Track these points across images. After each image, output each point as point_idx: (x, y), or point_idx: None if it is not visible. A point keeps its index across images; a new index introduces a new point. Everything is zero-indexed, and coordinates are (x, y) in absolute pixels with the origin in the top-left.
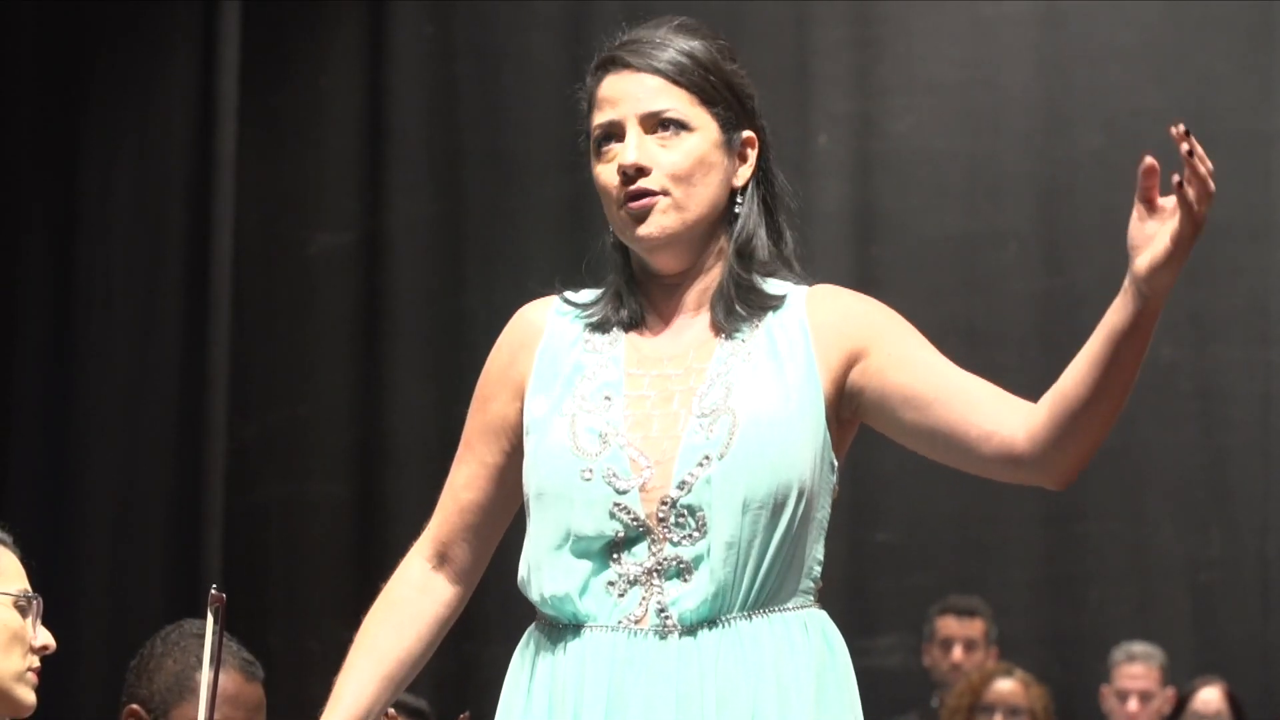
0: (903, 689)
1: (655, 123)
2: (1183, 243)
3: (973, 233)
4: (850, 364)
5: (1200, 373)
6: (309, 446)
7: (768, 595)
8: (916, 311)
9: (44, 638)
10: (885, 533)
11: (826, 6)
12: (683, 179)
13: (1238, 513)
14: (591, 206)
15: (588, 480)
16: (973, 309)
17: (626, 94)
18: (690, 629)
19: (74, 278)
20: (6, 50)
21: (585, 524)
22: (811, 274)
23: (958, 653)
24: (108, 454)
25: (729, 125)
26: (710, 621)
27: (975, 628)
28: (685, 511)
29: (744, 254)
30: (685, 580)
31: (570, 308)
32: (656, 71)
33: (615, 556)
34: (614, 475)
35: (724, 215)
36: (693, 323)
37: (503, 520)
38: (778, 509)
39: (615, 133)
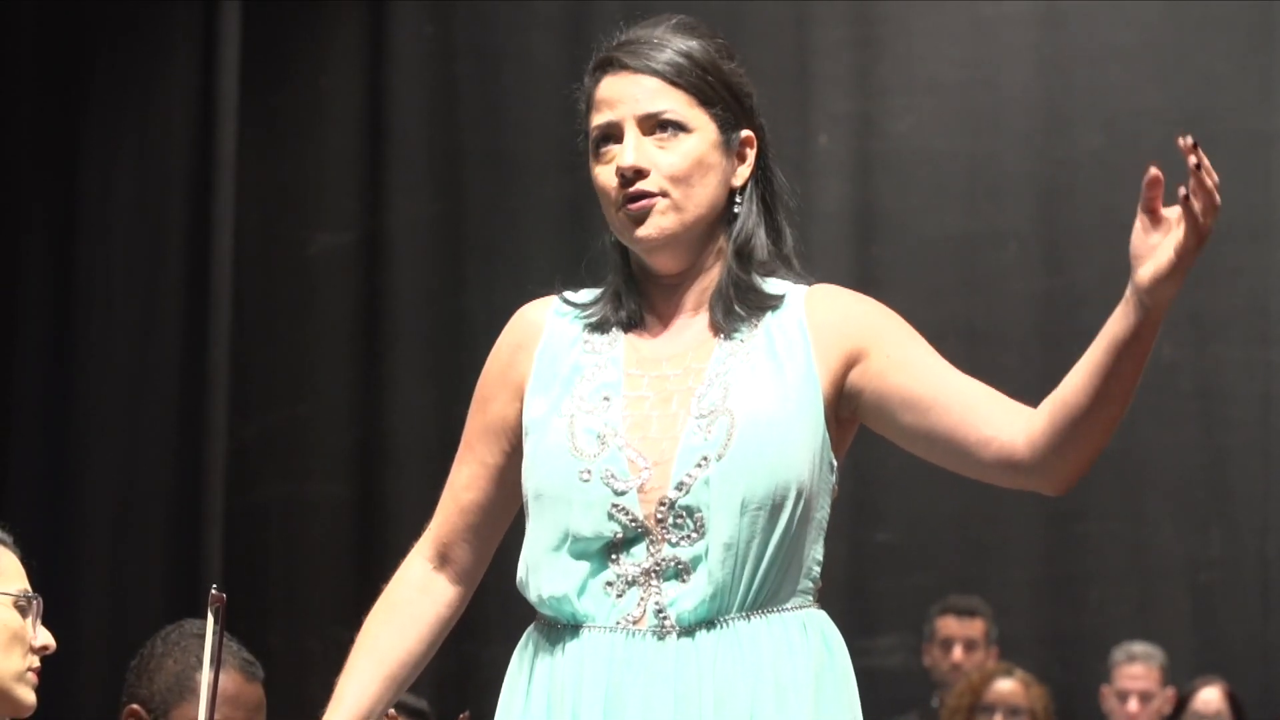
0: (903, 689)
1: (653, 124)
2: (1187, 255)
3: (973, 233)
4: (849, 365)
5: (1200, 373)
6: (309, 446)
7: (766, 596)
8: (916, 311)
9: (44, 638)
10: (886, 533)
11: (827, 6)
12: (681, 180)
13: (1238, 513)
14: (591, 206)
15: (586, 481)
16: (973, 309)
17: (624, 95)
18: (688, 630)
19: (74, 278)
20: (7, 50)
21: (583, 525)
22: (811, 274)
23: (958, 653)
24: (108, 454)
25: (727, 125)
26: (708, 622)
27: (975, 628)
28: (683, 512)
29: (743, 254)
30: (683, 581)
31: (569, 308)
32: (654, 73)
33: (614, 557)
34: (612, 476)
35: (723, 215)
36: (691, 323)
37: (503, 520)
38: (776, 509)
39: (613, 134)
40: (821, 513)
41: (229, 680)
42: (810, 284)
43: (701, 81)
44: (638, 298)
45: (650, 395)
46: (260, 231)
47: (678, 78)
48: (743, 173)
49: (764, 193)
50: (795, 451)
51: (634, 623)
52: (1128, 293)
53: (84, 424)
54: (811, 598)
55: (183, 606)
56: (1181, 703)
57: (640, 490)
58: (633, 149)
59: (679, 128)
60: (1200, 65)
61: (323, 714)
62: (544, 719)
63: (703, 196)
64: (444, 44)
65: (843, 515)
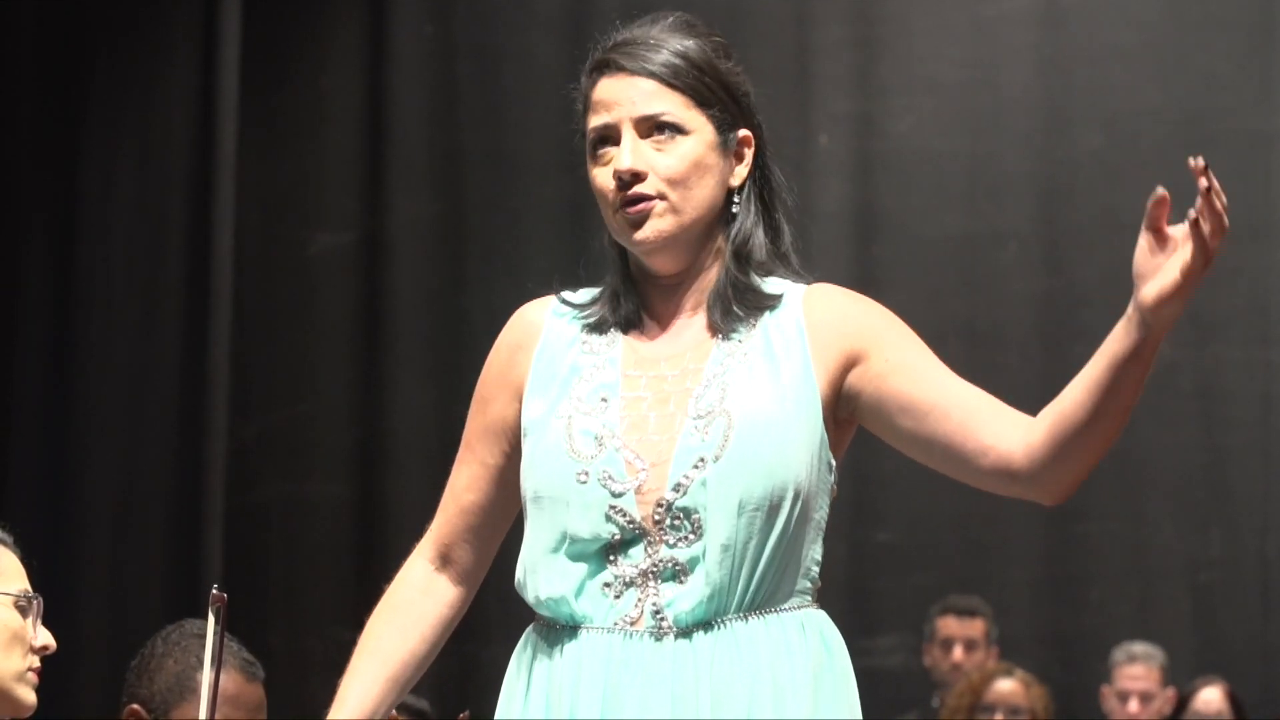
0: (903, 689)
1: (650, 126)
2: (1192, 276)
3: (973, 232)
4: (847, 366)
5: (1200, 373)
6: (309, 446)
7: (764, 597)
8: (916, 311)
9: (44, 638)
10: (886, 533)
11: (827, 6)
12: (678, 183)
13: (1238, 513)
14: (591, 206)
15: (583, 483)
16: (973, 309)
17: (621, 97)
18: (685, 631)
19: (74, 278)
20: (7, 50)
21: (581, 527)
22: (811, 273)
23: (958, 653)
24: (108, 454)
25: (724, 126)
26: (706, 623)
27: (976, 628)
28: (681, 514)
29: (741, 255)
30: (681, 582)
31: (568, 308)
32: (651, 74)
33: (611, 558)
34: (609, 478)
35: (721, 215)
36: (690, 323)
37: (504, 521)
38: (773, 510)
39: (610, 136)
40: (820, 513)
41: (229, 680)
42: (809, 283)
43: (698, 82)
44: (636, 298)
45: (648, 396)
46: (260, 231)
47: (674, 79)
48: (740, 172)
49: (762, 191)
50: (792, 452)
51: (632, 624)
52: (1129, 310)
53: (84, 424)
54: (810, 598)
55: (183, 606)
56: (1182, 703)
57: (638, 491)
58: (630, 152)
59: (676, 130)
60: (1200, 65)
61: (325, 715)
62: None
63: (700, 198)
64: (444, 44)
65: (843, 515)
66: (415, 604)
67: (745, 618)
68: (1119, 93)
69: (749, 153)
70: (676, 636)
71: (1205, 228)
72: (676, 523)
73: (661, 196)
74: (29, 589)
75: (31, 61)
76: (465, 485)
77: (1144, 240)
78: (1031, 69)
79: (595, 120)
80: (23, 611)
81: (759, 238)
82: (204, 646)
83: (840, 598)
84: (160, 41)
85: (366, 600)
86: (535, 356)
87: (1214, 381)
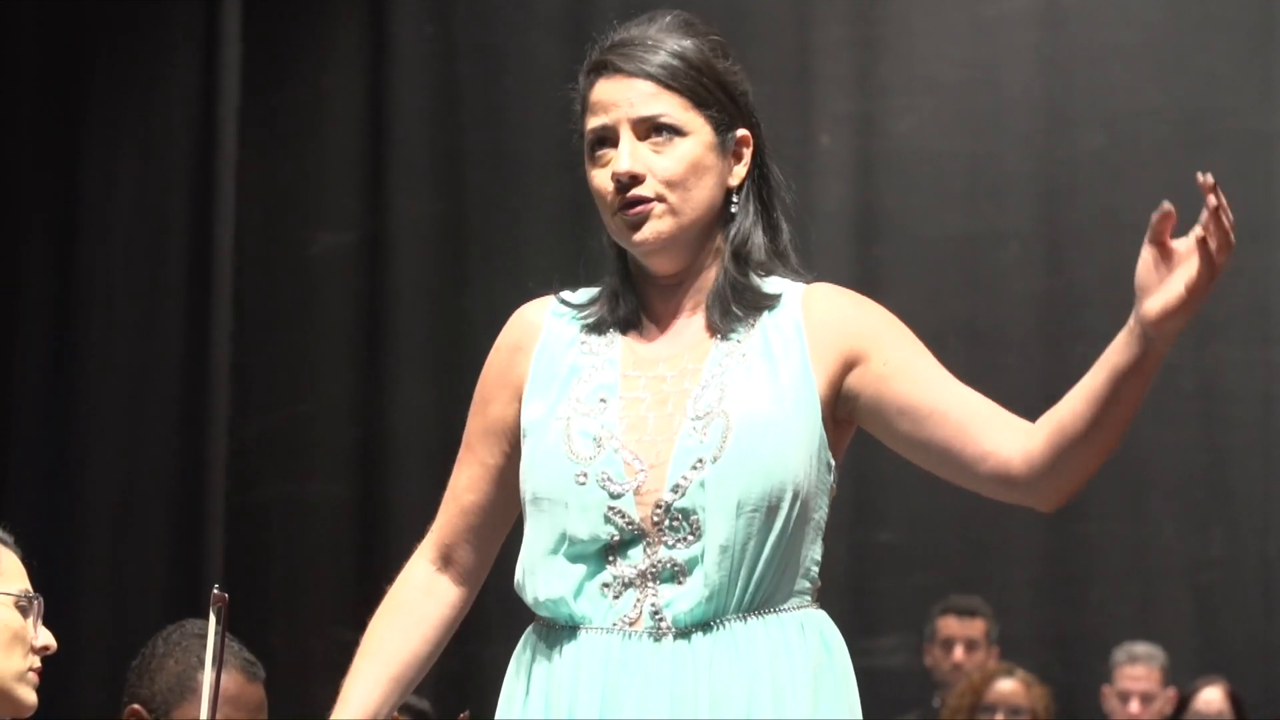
0: (904, 689)
1: (648, 128)
2: (1198, 292)
3: (974, 232)
4: (846, 368)
5: (1201, 373)
6: (310, 446)
7: (763, 597)
8: (917, 311)
9: (45, 638)
10: (887, 533)
11: (828, 6)
12: (677, 185)
13: (1239, 513)
14: (592, 206)
15: (582, 484)
16: (974, 309)
17: (619, 99)
18: (684, 631)
19: (75, 278)
20: (8, 50)
21: (580, 528)
22: (812, 273)
23: (959, 653)
24: (109, 454)
25: (722, 126)
26: (705, 624)
27: (976, 628)
28: (679, 515)
29: (740, 256)
30: (679, 583)
31: (567, 308)
32: (648, 76)
33: (610, 559)
34: (608, 479)
35: (720, 215)
36: (689, 324)
37: (505, 521)
38: (772, 511)
39: (608, 137)
40: (819, 513)
41: (230, 680)
42: (808, 282)
43: (696, 83)
44: (635, 298)
45: (647, 397)
46: (261, 231)
47: (672, 81)
48: (739, 172)
49: (761, 190)
50: (791, 452)
51: (630, 624)
52: (1131, 323)
53: (85, 424)
54: (810, 598)
55: (183, 606)
56: (1183, 703)
57: (636, 493)
58: (628, 155)
59: (674, 131)
60: (1201, 65)
61: (328, 716)
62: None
63: (699, 199)
64: (445, 44)
65: (844, 516)
66: (417, 605)
67: (744, 618)
68: (1119, 93)
69: (747, 152)
70: (675, 637)
71: (1212, 244)
72: (675, 524)
73: (660, 199)
74: (30, 589)
75: (32, 61)
76: (466, 486)
77: (1147, 253)
78: (1032, 69)
79: (593, 122)
80: (23, 611)
81: (758, 238)
82: (205, 646)
83: (841, 598)
84: (161, 41)
85: (367, 600)
86: (535, 357)
87: (1215, 381)
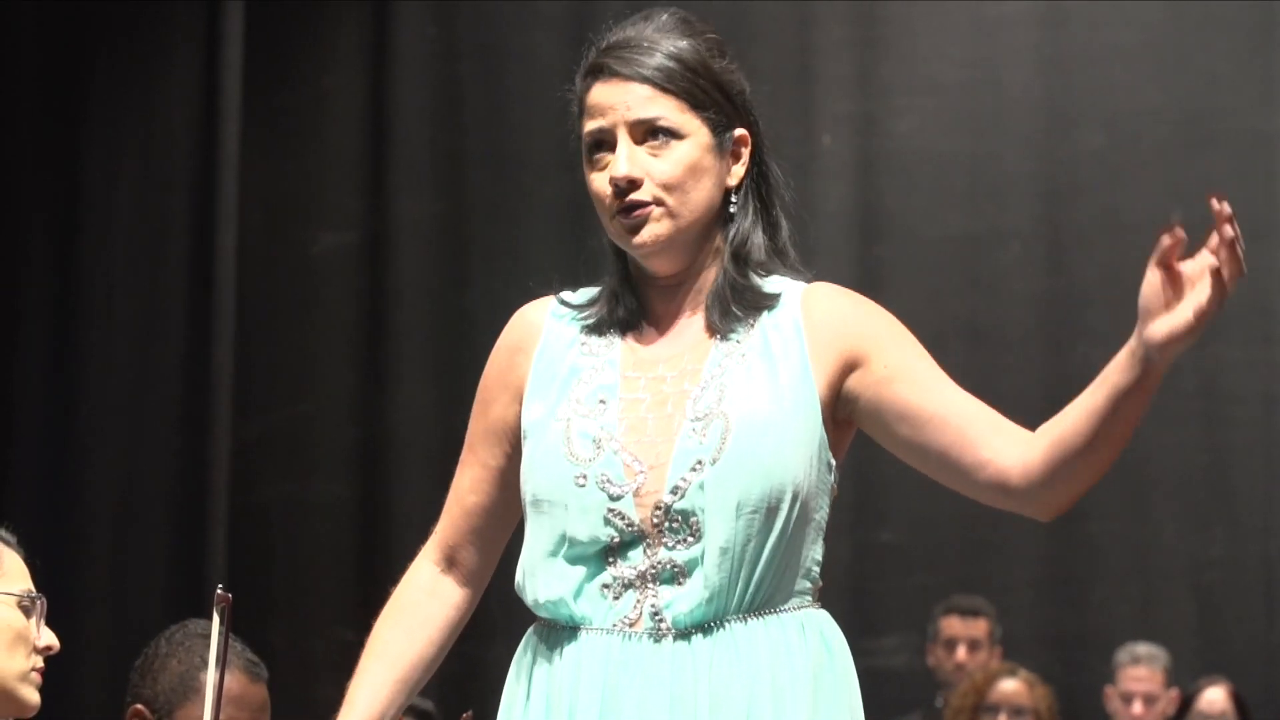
0: (907, 689)
1: (645, 131)
2: (1205, 318)
3: (975, 233)
4: (846, 370)
5: (1203, 372)
6: (312, 446)
7: (764, 598)
8: (919, 312)
9: (48, 638)
10: (889, 533)
11: (829, 7)
12: (674, 188)
13: (1241, 513)
14: (593, 206)
15: (582, 486)
16: (975, 309)
17: (615, 103)
18: (684, 632)
19: (77, 278)
20: (9, 51)
21: (580, 529)
22: (813, 273)
23: (962, 653)
24: (110, 454)
25: (720, 127)
26: (705, 625)
27: (979, 628)
28: (679, 516)
29: (739, 256)
30: (679, 584)
31: (567, 309)
32: (644, 79)
33: (611, 560)
34: (608, 481)
35: (719, 216)
36: (689, 324)
37: (509, 522)
38: (772, 512)
39: (606, 141)
40: (820, 513)
41: (233, 680)
42: (808, 280)
43: (693, 85)
44: (635, 299)
45: (646, 398)
46: (263, 231)
47: (668, 83)
48: (737, 171)
49: (760, 188)
50: (790, 453)
51: (630, 625)
52: (1133, 344)
53: (87, 424)
54: (811, 598)
55: (185, 606)
56: (1186, 703)
57: (636, 494)
58: (625, 158)
59: (671, 134)
60: (1202, 65)
61: (331, 717)
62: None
63: (697, 201)
64: (446, 44)
65: (846, 516)
66: (422, 606)
67: (744, 619)
68: (1120, 93)
69: (745, 151)
70: (675, 638)
71: (1226, 273)
72: (675, 525)
73: (658, 202)
74: (32, 589)
75: (33, 61)
76: (468, 487)
77: (1153, 276)
78: (1033, 69)
79: (590, 125)
80: (26, 611)
81: (757, 238)
82: (207, 647)
83: (843, 598)
84: (162, 41)
85: (369, 600)
86: (535, 358)
87: (1216, 381)
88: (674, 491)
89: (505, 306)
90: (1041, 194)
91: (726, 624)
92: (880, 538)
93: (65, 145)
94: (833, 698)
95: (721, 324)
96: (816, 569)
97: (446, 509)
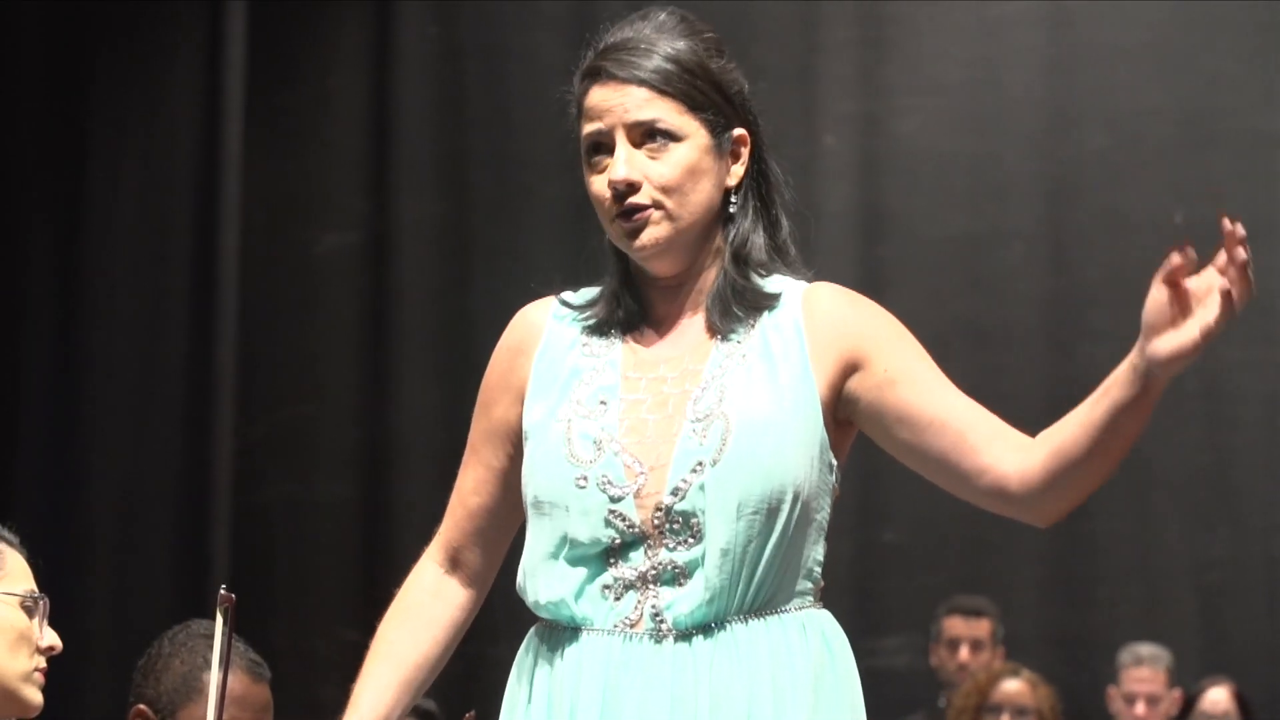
0: (910, 689)
1: (643, 134)
2: (1211, 337)
3: (978, 233)
4: (846, 371)
5: (1206, 372)
6: (315, 446)
7: (765, 599)
8: (922, 312)
9: (50, 638)
10: (892, 533)
11: (833, 7)
12: (673, 190)
13: (1244, 513)
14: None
15: (582, 488)
16: (978, 309)
17: (613, 106)
18: (685, 633)
19: (79, 278)
20: (11, 51)
21: (581, 531)
22: (816, 274)
23: (964, 653)
24: (114, 454)
25: (718, 128)
26: (705, 626)
27: (982, 628)
28: (680, 518)
29: (739, 257)
30: (680, 585)
31: (568, 310)
32: (642, 82)
33: (612, 561)
34: (608, 482)
35: (719, 216)
36: (690, 325)
37: (512, 523)
38: (772, 513)
39: (604, 143)
40: (821, 514)
41: (236, 680)
42: (809, 280)
43: (690, 87)
44: (635, 300)
45: (647, 399)
46: (265, 231)
47: (666, 86)
48: (737, 171)
49: (760, 187)
50: (791, 454)
51: (631, 626)
52: (1135, 359)
53: (90, 424)
54: (812, 598)
55: (188, 607)
56: (1189, 703)
57: (636, 496)
58: (624, 162)
59: (669, 136)
60: (1205, 65)
61: (334, 717)
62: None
63: (696, 203)
64: (449, 44)
65: (849, 516)
66: (426, 607)
67: (745, 620)
68: (1124, 93)
69: (745, 151)
70: (676, 639)
71: (1236, 295)
72: (676, 526)
73: (657, 205)
74: (35, 589)
75: (36, 61)
76: (471, 488)
77: (1159, 293)
78: (1036, 69)
79: (589, 127)
80: (29, 612)
81: (758, 238)
82: (210, 647)
83: (846, 598)
84: (165, 41)
85: (372, 600)
86: (536, 359)
87: (1219, 381)
88: (674, 493)
89: (507, 306)
90: (1044, 194)
91: (727, 625)
92: (883, 538)
93: (68, 145)
94: (834, 698)
95: (722, 325)
96: (818, 569)
97: (449, 510)
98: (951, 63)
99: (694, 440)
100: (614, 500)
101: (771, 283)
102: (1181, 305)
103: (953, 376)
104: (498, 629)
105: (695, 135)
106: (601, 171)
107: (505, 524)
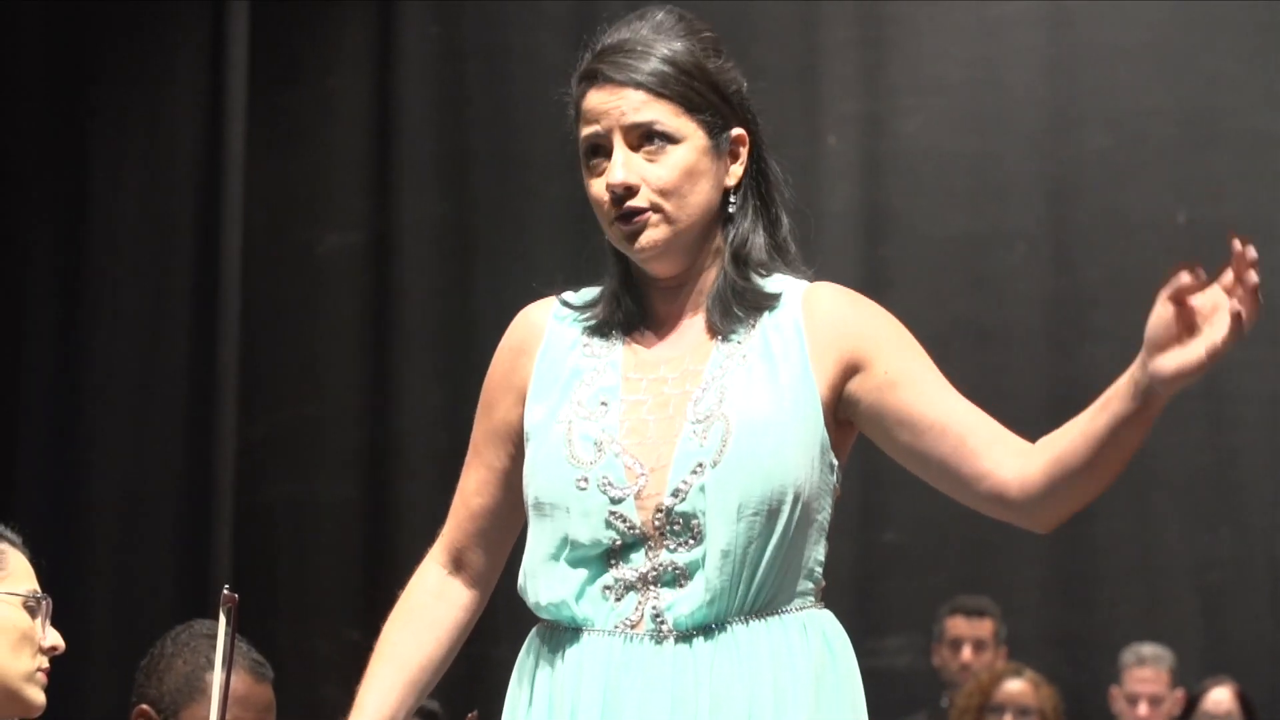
0: (912, 689)
1: (640, 136)
2: (1218, 357)
3: (980, 233)
4: (846, 373)
5: (1208, 372)
6: (318, 446)
7: (765, 600)
8: (924, 312)
9: (53, 638)
10: (894, 533)
11: (835, 6)
12: (671, 193)
13: (1246, 513)
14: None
15: (583, 489)
16: (980, 309)
17: (609, 109)
18: (685, 634)
19: (81, 278)
20: (14, 51)
21: (582, 532)
22: (818, 274)
23: (967, 653)
24: (117, 454)
25: (716, 129)
26: (706, 627)
27: (984, 628)
28: (680, 519)
29: (739, 258)
30: (680, 586)
31: (569, 310)
32: (638, 85)
33: (612, 562)
34: (609, 484)
35: (718, 216)
36: (691, 325)
37: (515, 523)
38: (773, 514)
39: (602, 146)
40: (823, 514)
41: (239, 681)
42: (809, 278)
43: (687, 88)
44: (636, 300)
45: (648, 399)
46: (268, 231)
47: (662, 88)
48: (736, 171)
49: (759, 186)
50: (791, 455)
51: (632, 627)
52: (1137, 374)
53: (92, 425)
54: (813, 598)
55: (191, 607)
56: (1191, 703)
57: (637, 497)
58: (621, 166)
59: (666, 139)
60: (1207, 65)
61: (337, 717)
62: None
63: (695, 204)
64: (451, 44)
65: (851, 516)
66: (430, 608)
67: (746, 620)
68: (1125, 93)
69: (743, 151)
70: (676, 640)
71: (1246, 317)
72: (676, 528)
73: (655, 208)
74: (38, 589)
75: (38, 62)
76: (474, 490)
77: (1164, 310)
78: (1038, 69)
79: (586, 130)
80: (31, 612)
81: (757, 238)
82: (213, 647)
83: (848, 598)
84: (167, 41)
85: (375, 601)
86: (538, 359)
87: (1221, 381)
88: (675, 494)
89: (509, 307)
90: (1046, 194)
91: (728, 626)
92: (885, 538)
93: (70, 146)
94: (835, 698)
95: (723, 325)
96: (819, 569)
97: (453, 511)
98: (952, 63)
99: (694, 441)
100: (614, 502)
101: (772, 282)
102: (1186, 322)
103: (954, 376)
104: (500, 630)
105: (693, 137)
106: (600, 174)
107: (508, 525)
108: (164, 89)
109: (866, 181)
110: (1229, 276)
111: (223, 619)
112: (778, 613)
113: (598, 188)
